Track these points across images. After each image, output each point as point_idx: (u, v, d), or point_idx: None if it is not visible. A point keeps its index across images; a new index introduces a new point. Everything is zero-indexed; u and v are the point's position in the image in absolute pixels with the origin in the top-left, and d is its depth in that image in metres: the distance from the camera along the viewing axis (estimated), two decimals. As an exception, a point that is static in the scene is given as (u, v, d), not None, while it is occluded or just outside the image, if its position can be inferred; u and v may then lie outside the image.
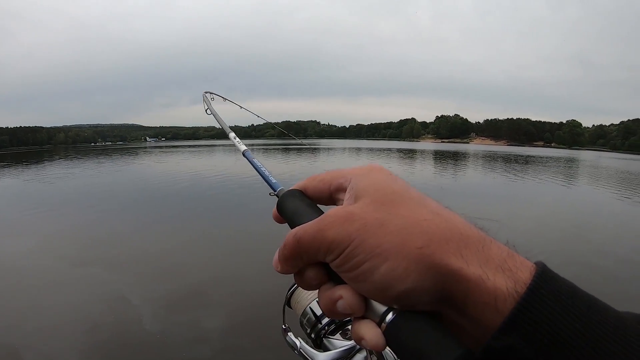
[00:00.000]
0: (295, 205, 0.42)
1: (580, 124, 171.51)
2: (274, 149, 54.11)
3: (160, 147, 78.69)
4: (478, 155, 48.01)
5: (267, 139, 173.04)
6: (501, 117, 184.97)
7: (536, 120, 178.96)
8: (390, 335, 0.32)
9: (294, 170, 22.18)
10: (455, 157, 43.91)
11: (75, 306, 5.01)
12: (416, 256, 0.31)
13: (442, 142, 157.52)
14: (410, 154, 48.16)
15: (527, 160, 40.13)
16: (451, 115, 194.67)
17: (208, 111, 1.05)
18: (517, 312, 0.29)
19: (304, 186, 0.44)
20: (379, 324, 0.33)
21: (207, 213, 10.30)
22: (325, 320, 0.66)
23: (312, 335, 0.67)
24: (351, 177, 0.39)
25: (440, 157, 44.04)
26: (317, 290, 0.36)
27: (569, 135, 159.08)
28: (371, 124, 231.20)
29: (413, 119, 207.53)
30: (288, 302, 0.71)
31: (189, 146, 71.65)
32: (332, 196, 0.42)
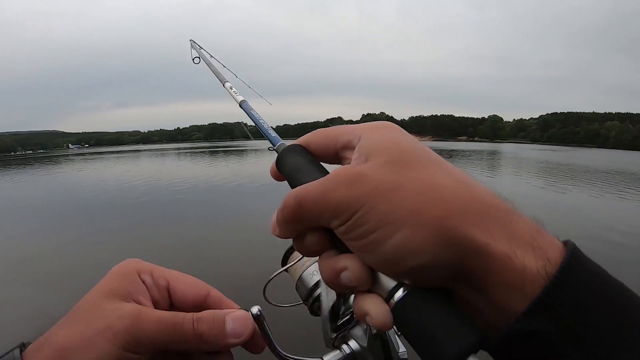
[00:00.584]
0: (297, 161, 0.38)
1: (502, 119, 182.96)
2: (200, 152, 51.97)
3: (84, 154, 73.35)
4: None
5: (194, 142, 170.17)
6: (425, 114, 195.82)
7: (459, 116, 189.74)
8: (399, 313, 0.29)
9: (224, 173, 20.72)
10: None
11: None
12: (435, 226, 0.27)
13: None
14: None
15: (451, 154, 41.17)
16: (377, 113, 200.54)
17: (197, 60, 0.97)
18: (547, 294, 0.26)
19: (307, 141, 0.39)
20: (386, 300, 0.30)
21: (138, 222, 9.49)
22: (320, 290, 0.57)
23: (308, 304, 0.60)
24: (361, 134, 0.34)
25: None
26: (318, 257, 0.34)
27: (491, 129, 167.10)
28: (298, 123, 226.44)
29: (339, 118, 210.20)
30: (283, 264, 0.64)
31: (114, 152, 67.56)
32: (338, 154, 0.37)
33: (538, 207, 10.22)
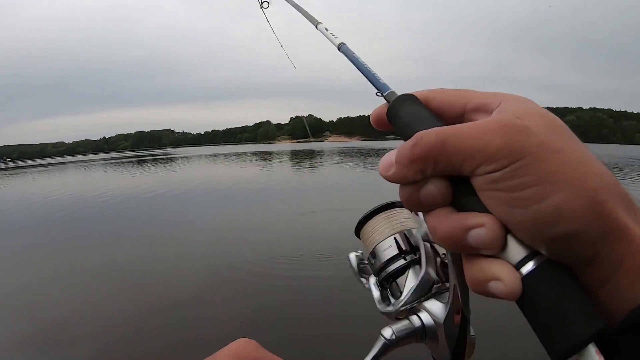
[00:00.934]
0: (418, 110, 0.35)
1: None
2: (128, 161, 48.92)
3: (6, 169, 66.35)
4: (333, 152, 48.71)
5: (121, 151, 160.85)
6: (353, 115, 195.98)
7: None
8: (528, 285, 0.27)
9: (148, 182, 19.75)
10: (312, 156, 43.63)
11: None
12: (591, 197, 0.26)
13: (297, 142, 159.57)
14: (267, 156, 46.75)
15: (378, 153, 41.33)
16: (305, 115, 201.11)
17: (266, 3, 0.86)
18: None
19: (428, 95, 0.36)
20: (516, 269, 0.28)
21: (65, 241, 8.55)
22: (395, 266, 0.55)
23: (379, 278, 0.57)
24: (500, 100, 0.32)
25: (297, 157, 43.56)
26: (418, 216, 0.32)
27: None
28: (226, 129, 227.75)
29: (268, 122, 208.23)
30: (357, 233, 0.61)
31: (39, 165, 62.28)
32: (464, 115, 0.35)
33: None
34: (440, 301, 0.46)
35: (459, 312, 0.43)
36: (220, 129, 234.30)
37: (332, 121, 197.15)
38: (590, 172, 0.27)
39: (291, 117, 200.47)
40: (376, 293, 0.54)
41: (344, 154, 44.38)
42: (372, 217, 0.57)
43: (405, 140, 0.32)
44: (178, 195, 14.14)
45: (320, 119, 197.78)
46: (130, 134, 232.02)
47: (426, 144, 0.29)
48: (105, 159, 67.54)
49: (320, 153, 49.08)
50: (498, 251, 0.28)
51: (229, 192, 14.49)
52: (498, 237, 0.28)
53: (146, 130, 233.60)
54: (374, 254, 0.55)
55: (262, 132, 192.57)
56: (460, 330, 0.44)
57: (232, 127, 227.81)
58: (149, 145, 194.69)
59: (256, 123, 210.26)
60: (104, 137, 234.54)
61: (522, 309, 0.28)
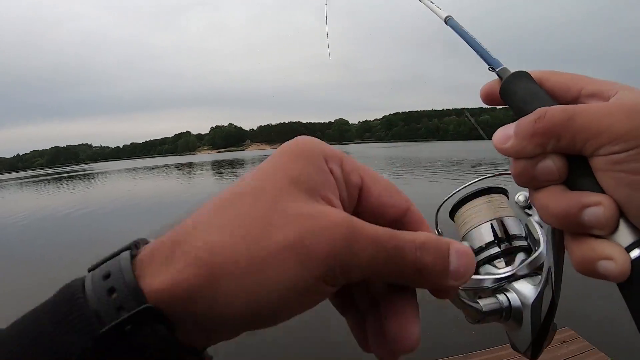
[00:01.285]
0: (534, 88, 0.35)
1: (348, 122, 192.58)
2: (43, 179, 46.31)
3: None
4: (255, 160, 49.02)
5: (36, 169, 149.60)
6: (274, 123, 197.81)
7: (307, 122, 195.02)
8: (636, 269, 0.27)
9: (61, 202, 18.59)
10: (234, 165, 43.90)
11: None
12: None
13: (218, 152, 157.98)
14: (188, 167, 46.41)
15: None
16: (225, 124, 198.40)
17: None
18: None
19: (543, 76, 0.36)
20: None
21: None
22: (493, 250, 0.54)
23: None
24: (617, 89, 0.32)
25: (218, 167, 43.75)
26: (523, 195, 0.34)
27: (338, 132, 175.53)
28: (146, 141, 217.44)
29: (188, 132, 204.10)
30: (452, 215, 0.60)
31: None
32: (578, 100, 0.34)
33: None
34: (531, 284, 0.46)
35: (549, 296, 0.42)
36: (140, 141, 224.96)
37: (253, 129, 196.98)
38: None
39: (211, 127, 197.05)
40: None
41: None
42: (470, 200, 0.56)
43: (518, 116, 0.32)
44: (88, 213, 13.85)
45: (240, 127, 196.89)
46: (46, 150, 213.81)
47: (551, 119, 0.29)
48: (19, 177, 64.79)
49: (242, 162, 49.46)
50: (610, 232, 0.28)
51: (144, 207, 14.50)
52: (614, 217, 0.28)
53: (62, 146, 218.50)
54: (465, 238, 0.55)
55: (182, 143, 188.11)
56: (547, 316, 0.42)
57: (152, 139, 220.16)
58: (65, 162, 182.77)
59: (176, 134, 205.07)
60: (18, 154, 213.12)
61: (625, 292, 0.28)
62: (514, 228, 0.53)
